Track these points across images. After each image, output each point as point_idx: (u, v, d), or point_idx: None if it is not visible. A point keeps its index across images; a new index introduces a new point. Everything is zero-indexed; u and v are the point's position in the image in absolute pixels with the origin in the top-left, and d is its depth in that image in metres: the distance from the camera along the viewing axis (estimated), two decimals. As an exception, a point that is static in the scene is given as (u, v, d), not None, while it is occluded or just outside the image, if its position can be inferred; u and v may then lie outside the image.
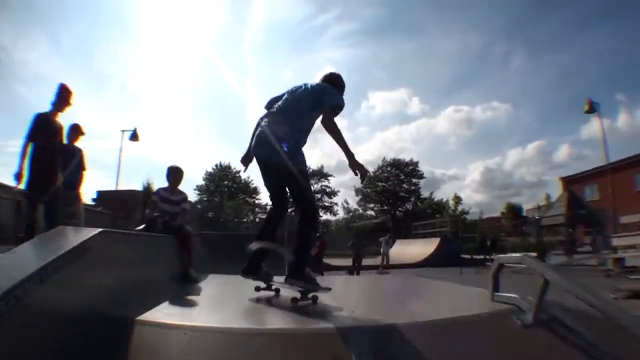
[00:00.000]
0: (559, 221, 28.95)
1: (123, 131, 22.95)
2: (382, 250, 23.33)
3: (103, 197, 46.76)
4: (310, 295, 4.45)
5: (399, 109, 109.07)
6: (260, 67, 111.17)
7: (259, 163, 4.82)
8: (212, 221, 24.76)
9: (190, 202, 8.83)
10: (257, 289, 4.99)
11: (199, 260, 6.65)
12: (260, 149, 4.66)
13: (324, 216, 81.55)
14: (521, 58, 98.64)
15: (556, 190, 51.18)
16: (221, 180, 76.03)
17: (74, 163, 8.12)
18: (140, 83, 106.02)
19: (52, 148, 7.07)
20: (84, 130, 8.40)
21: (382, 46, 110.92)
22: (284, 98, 4.83)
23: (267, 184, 4.93)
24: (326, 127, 4.65)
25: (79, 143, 8.39)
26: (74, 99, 7.39)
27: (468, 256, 26.23)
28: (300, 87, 4.86)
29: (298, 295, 4.42)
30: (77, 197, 8.42)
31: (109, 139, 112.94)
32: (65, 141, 7.72)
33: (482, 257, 24.94)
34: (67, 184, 7.70)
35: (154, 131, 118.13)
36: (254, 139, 4.75)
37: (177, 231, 6.52)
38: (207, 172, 78.74)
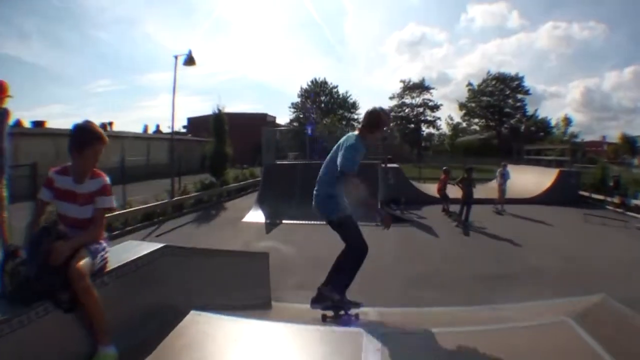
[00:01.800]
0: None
1: (176, 56, 20.59)
2: (497, 181, 20.27)
3: (192, 123, 46.83)
4: (341, 312, 5.64)
5: (498, 22, 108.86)
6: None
7: None
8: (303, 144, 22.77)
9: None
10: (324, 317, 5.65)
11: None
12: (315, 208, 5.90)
13: (427, 130, 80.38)
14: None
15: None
16: (317, 96, 74.21)
17: None
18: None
19: None
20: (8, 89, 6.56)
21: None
22: (322, 166, 5.85)
23: None
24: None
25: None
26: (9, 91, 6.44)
27: (586, 193, 23.14)
28: (334, 151, 5.72)
29: (329, 312, 5.67)
30: None
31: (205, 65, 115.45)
32: None
33: (602, 197, 21.77)
34: None
35: (248, 51, 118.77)
36: None
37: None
38: (302, 88, 78.02)
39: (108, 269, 3.93)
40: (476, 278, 10.02)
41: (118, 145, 34.99)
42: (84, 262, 3.48)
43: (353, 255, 5.70)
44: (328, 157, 5.77)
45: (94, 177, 3.90)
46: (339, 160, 5.40)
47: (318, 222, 15.63)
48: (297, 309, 6.90)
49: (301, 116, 72.81)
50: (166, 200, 18.87)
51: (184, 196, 20.73)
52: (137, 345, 3.79)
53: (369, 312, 6.15)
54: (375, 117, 5.64)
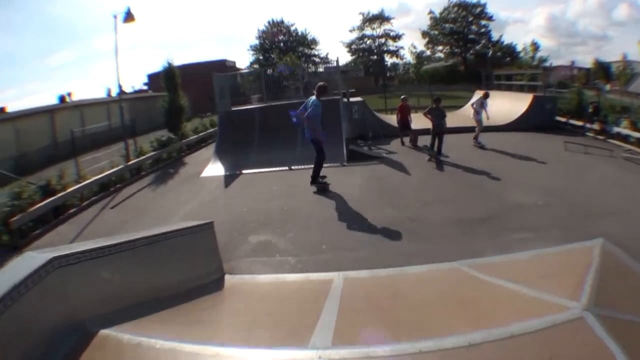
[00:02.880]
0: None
1: (115, 15, 19.32)
2: (476, 115, 17.61)
3: (153, 79, 46.19)
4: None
5: None
6: None
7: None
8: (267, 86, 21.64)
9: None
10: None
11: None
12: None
13: (391, 60, 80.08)
14: None
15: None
16: (275, 37, 72.83)
17: None
18: None
19: None
20: None
21: None
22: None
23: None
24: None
25: None
26: None
27: (563, 119, 21.81)
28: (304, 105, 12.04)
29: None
30: None
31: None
32: None
33: (581, 123, 20.45)
34: None
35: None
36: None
37: None
38: (259, 30, 76.17)
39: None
40: (456, 222, 8.97)
41: (77, 115, 33.89)
42: None
43: (319, 159, 12.06)
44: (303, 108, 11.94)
45: None
46: (307, 112, 11.49)
47: (278, 169, 14.86)
48: (252, 284, 6.49)
49: (260, 58, 71.34)
50: (121, 167, 17.61)
51: (140, 158, 19.43)
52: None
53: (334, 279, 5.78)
54: (322, 88, 11.93)
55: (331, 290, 5.22)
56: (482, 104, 17.33)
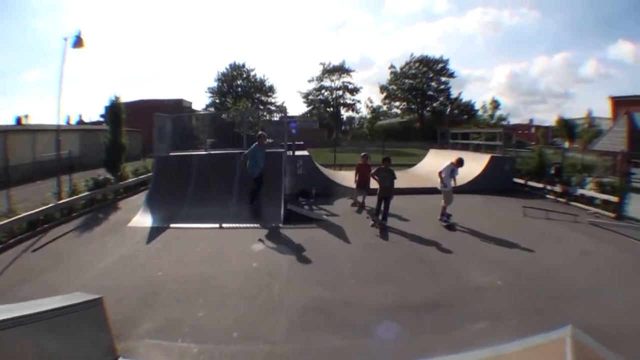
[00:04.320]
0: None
1: (65, 39, 18.50)
2: (444, 186, 14.66)
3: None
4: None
5: (425, 6, 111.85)
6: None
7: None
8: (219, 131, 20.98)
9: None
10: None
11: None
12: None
13: (346, 114, 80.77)
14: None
15: (589, 105, 46.13)
16: (234, 80, 72.73)
17: None
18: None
19: None
20: None
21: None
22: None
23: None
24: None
25: None
26: None
27: (521, 181, 21.23)
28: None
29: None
30: None
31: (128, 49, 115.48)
32: None
33: (541, 185, 19.94)
34: None
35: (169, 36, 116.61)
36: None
37: None
38: (219, 72, 76.28)
39: None
40: (399, 307, 7.63)
41: (30, 140, 32.41)
42: None
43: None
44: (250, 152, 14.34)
45: None
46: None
47: (208, 226, 13.66)
48: None
49: (217, 101, 71.28)
50: (50, 205, 16.29)
51: (72, 197, 18.17)
52: None
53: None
54: (260, 136, 14.78)
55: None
56: (452, 172, 14.70)
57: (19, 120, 41.51)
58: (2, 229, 13.23)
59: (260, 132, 15.22)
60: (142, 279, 9.51)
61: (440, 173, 14.60)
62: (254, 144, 14.83)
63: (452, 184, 14.70)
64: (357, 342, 6.51)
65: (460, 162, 14.71)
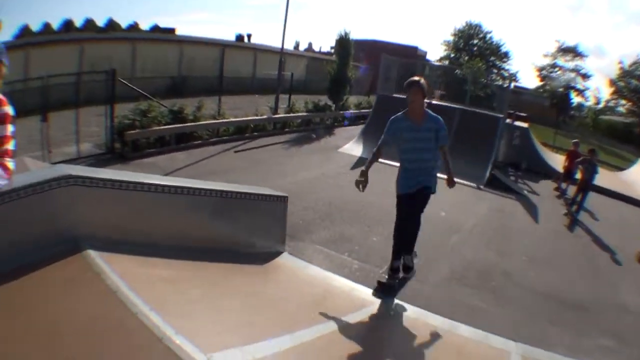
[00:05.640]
0: None
1: None
2: None
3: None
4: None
5: None
6: None
7: None
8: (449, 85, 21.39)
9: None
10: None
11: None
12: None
13: (576, 98, 75.66)
14: None
15: None
16: (471, 38, 70.90)
17: None
18: None
19: None
20: None
21: None
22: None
23: None
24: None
25: None
26: None
27: None
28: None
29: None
30: None
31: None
32: None
33: None
34: None
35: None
36: None
37: None
38: (455, 27, 74.46)
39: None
40: (548, 296, 7.52)
41: (250, 58, 35.33)
42: None
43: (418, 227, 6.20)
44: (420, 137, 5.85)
45: None
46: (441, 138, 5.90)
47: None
48: (299, 273, 6.27)
49: (452, 55, 69.59)
50: (264, 117, 18.22)
51: (287, 114, 20.35)
52: (6, 271, 3.54)
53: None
54: (417, 91, 5.78)
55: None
56: None
57: (240, 37, 44.67)
58: (207, 127, 15.06)
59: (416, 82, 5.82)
60: (334, 197, 10.48)
61: None
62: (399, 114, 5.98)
63: None
64: (497, 310, 6.63)
65: None
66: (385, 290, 5.88)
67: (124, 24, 47.10)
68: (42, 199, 3.92)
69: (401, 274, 6.21)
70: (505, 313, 6.54)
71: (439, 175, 5.94)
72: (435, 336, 4.92)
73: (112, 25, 44.70)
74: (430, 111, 5.89)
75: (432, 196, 5.92)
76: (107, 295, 3.49)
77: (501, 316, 6.36)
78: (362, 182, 5.49)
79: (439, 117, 5.88)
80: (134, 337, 3.10)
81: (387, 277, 6.18)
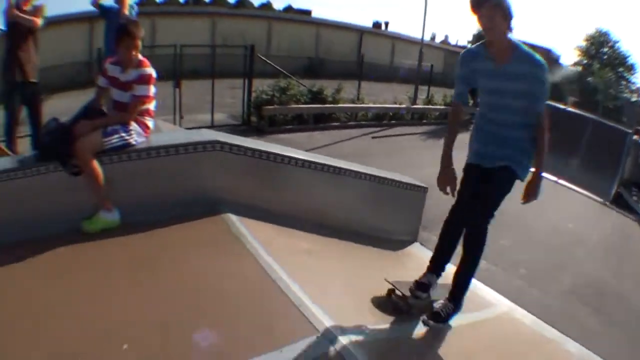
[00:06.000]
0: None
1: None
2: None
3: (478, 39, 46.83)
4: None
5: None
6: None
7: None
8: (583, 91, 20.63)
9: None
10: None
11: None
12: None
13: None
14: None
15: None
16: (602, 46, 67.69)
17: None
18: None
19: None
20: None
21: None
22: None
23: None
24: None
25: None
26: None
27: None
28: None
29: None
30: None
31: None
32: None
33: None
34: None
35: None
36: None
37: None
38: (587, 34, 69.36)
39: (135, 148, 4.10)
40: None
41: (388, 45, 35.29)
42: (89, 139, 3.82)
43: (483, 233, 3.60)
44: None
45: (138, 67, 4.12)
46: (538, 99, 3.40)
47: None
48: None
49: (585, 62, 66.37)
50: (403, 106, 18.42)
51: (426, 106, 20.59)
52: (148, 223, 3.95)
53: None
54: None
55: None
56: None
57: (376, 24, 44.39)
58: (346, 110, 15.28)
59: None
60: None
61: None
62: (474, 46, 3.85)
63: None
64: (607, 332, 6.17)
65: None
66: (434, 318, 3.57)
67: (256, 2, 47.93)
68: (190, 160, 4.32)
69: (425, 295, 3.75)
70: (613, 337, 6.07)
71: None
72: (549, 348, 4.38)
73: (242, 2, 45.56)
74: (522, 46, 3.35)
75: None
76: (247, 258, 3.71)
77: (609, 340, 5.84)
78: (446, 181, 3.59)
79: (539, 58, 3.30)
80: (272, 302, 3.25)
81: (409, 292, 3.77)
